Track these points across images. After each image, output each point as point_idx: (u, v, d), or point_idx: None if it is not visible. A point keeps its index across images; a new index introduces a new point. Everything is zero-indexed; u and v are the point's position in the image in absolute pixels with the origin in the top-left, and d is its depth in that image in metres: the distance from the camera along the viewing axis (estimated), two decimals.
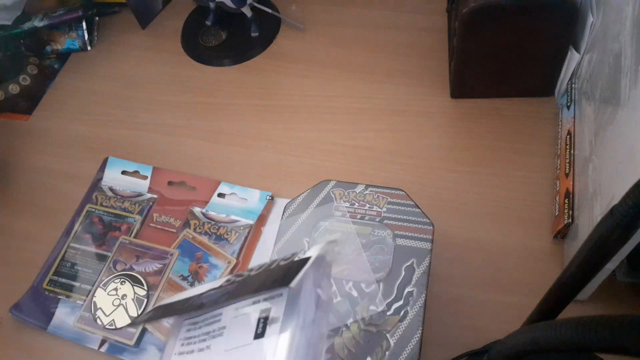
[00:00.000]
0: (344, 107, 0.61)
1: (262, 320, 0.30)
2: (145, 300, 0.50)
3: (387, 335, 0.39)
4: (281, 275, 0.29)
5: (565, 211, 0.47)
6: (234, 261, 0.51)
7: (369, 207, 0.45)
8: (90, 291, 0.51)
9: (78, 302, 0.51)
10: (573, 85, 0.54)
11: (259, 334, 0.30)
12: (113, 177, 0.59)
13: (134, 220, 0.55)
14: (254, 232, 0.53)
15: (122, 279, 0.51)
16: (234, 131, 0.61)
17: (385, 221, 0.44)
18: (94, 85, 0.69)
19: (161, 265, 0.52)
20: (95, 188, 0.58)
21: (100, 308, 0.50)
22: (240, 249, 0.52)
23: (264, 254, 0.51)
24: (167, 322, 0.48)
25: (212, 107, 0.64)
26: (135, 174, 0.59)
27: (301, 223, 0.45)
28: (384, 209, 0.44)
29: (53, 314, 0.50)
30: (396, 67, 0.63)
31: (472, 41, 0.53)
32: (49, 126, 0.66)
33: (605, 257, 0.26)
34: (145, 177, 0.58)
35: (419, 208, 0.44)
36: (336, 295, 0.41)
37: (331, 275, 0.32)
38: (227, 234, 0.53)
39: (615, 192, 0.38)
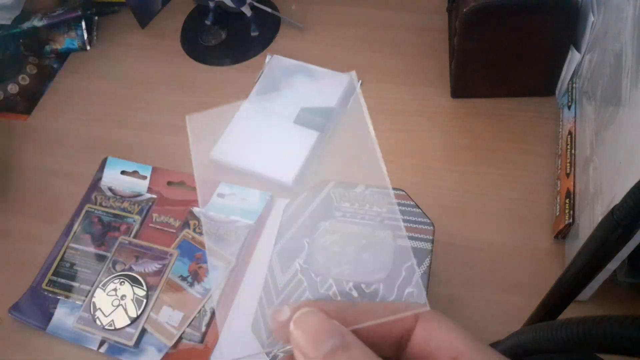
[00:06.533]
0: (344, 107, 0.61)
1: None
2: (145, 300, 0.50)
3: None
4: None
5: (566, 211, 0.47)
6: (234, 261, 0.51)
7: (369, 207, 0.45)
8: (89, 291, 0.51)
9: (77, 302, 0.51)
10: (574, 85, 0.54)
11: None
12: (112, 177, 0.58)
13: (134, 221, 0.55)
14: (253, 232, 0.53)
15: (121, 280, 0.51)
16: None
17: (386, 221, 0.44)
18: (94, 85, 0.68)
19: (161, 266, 0.51)
20: (94, 188, 0.58)
21: (99, 308, 0.50)
22: (240, 249, 0.52)
23: (264, 254, 0.51)
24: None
25: (212, 107, 0.63)
26: (134, 174, 0.59)
27: (301, 223, 0.45)
28: (384, 209, 0.44)
29: (52, 314, 0.50)
30: (396, 67, 0.63)
31: (472, 41, 0.53)
32: (48, 126, 0.66)
33: (606, 257, 0.26)
34: (144, 177, 0.58)
35: (419, 208, 0.44)
36: (336, 296, 0.41)
37: None
38: (227, 234, 0.53)
39: (616, 192, 0.38)
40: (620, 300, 0.45)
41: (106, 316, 0.49)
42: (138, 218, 0.55)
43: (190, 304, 0.49)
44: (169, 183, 0.57)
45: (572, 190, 0.48)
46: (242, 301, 0.49)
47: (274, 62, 0.65)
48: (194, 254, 0.52)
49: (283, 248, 0.44)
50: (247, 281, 0.50)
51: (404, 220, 0.43)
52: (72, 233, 0.55)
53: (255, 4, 0.68)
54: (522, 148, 0.55)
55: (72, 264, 0.53)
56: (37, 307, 0.51)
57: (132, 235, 0.54)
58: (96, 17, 0.74)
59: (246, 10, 0.67)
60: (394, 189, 0.45)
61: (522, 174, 0.53)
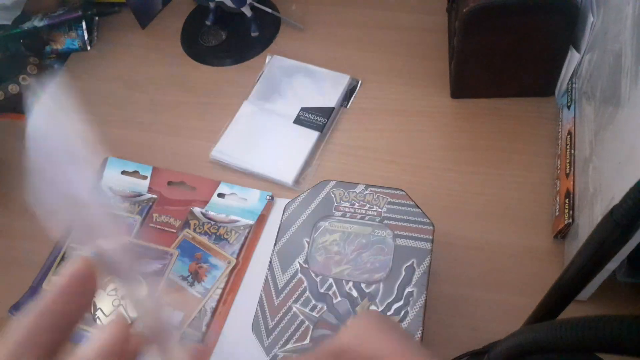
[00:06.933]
0: (344, 107, 0.61)
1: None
2: None
3: None
4: None
5: (566, 211, 0.47)
6: (234, 261, 0.51)
7: (369, 207, 0.45)
8: None
9: None
10: (573, 85, 0.54)
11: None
12: (113, 177, 0.58)
13: (134, 221, 0.55)
14: (254, 232, 0.53)
15: None
16: None
17: (386, 221, 0.44)
18: (94, 85, 0.69)
19: (161, 266, 0.52)
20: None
21: (99, 308, 0.50)
22: (240, 249, 0.52)
23: (264, 254, 0.51)
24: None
25: (212, 107, 0.64)
26: (135, 174, 0.59)
27: (301, 223, 0.45)
28: (384, 209, 0.44)
29: None
30: (396, 67, 0.63)
31: (472, 41, 0.53)
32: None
33: (606, 257, 0.26)
34: (145, 177, 0.58)
35: (419, 208, 0.44)
36: (336, 296, 0.41)
37: None
38: (227, 234, 0.53)
39: (615, 192, 0.38)
40: (620, 300, 0.45)
41: (106, 316, 0.49)
42: (138, 218, 0.55)
43: (190, 304, 0.49)
44: (169, 183, 0.57)
45: (571, 190, 0.48)
46: (242, 301, 0.49)
47: (274, 62, 0.65)
48: (194, 253, 0.52)
49: (283, 248, 0.44)
50: (247, 281, 0.50)
51: (404, 220, 0.43)
52: (73, 233, 0.55)
53: (255, 4, 0.68)
54: (522, 148, 0.55)
55: None
56: None
57: (133, 235, 0.54)
58: (97, 18, 0.74)
59: (246, 11, 0.67)
60: (394, 189, 0.45)
61: (522, 174, 0.53)
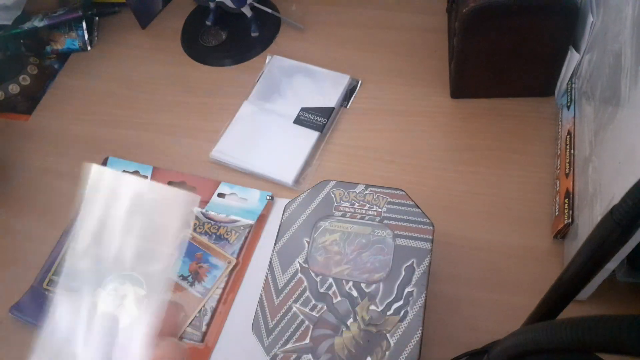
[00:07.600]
0: (344, 107, 0.61)
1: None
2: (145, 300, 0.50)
3: (387, 335, 0.39)
4: None
5: (565, 211, 0.47)
6: (234, 261, 0.51)
7: (369, 207, 0.45)
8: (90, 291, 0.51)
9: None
10: (573, 85, 0.54)
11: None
12: None
13: None
14: (254, 232, 0.53)
15: (122, 279, 0.51)
16: None
17: (385, 221, 0.44)
18: (94, 85, 0.69)
19: None
20: None
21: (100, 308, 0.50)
22: (240, 249, 0.52)
23: (264, 254, 0.51)
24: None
25: (212, 107, 0.64)
26: (135, 174, 0.59)
27: (301, 223, 0.45)
28: (384, 209, 0.44)
29: None
30: (396, 67, 0.63)
31: (472, 41, 0.53)
32: (49, 126, 0.66)
33: (605, 257, 0.26)
34: (145, 177, 0.58)
35: (419, 208, 0.44)
36: (336, 295, 0.41)
37: None
38: (227, 234, 0.53)
39: (615, 192, 0.38)
40: (620, 300, 0.45)
41: None
42: None
43: (190, 304, 0.49)
44: (170, 183, 0.57)
45: (571, 190, 0.48)
46: (242, 301, 0.49)
47: (274, 62, 0.65)
48: (195, 253, 0.52)
49: (283, 248, 0.44)
50: (247, 281, 0.50)
51: (404, 220, 0.43)
52: (73, 233, 0.55)
53: (256, 4, 0.68)
54: (521, 148, 0.55)
55: None
56: (38, 306, 0.51)
57: None
58: (97, 18, 0.74)
59: (246, 11, 0.67)
60: (394, 189, 0.45)
61: (522, 174, 0.53)
